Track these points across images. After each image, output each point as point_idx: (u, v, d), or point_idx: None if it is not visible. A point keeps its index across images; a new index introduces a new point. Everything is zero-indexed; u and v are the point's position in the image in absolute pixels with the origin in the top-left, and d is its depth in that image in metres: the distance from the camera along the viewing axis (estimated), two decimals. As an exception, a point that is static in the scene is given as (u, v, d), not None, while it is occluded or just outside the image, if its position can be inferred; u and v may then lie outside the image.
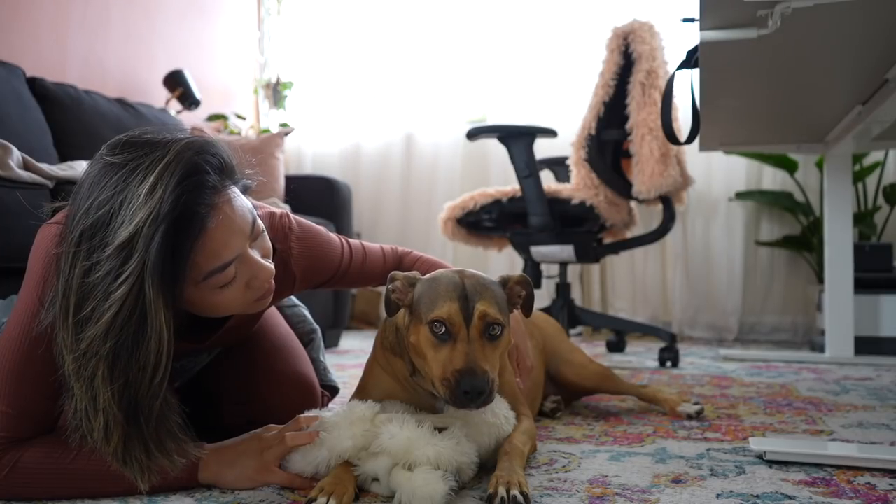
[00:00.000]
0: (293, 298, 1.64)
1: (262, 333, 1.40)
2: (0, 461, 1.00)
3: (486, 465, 1.12)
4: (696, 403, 1.56)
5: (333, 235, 1.34)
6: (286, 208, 3.03)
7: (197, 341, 1.18)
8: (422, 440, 1.03)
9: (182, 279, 0.94)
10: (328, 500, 0.97)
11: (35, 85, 2.56)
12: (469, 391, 1.01)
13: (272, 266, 1.05)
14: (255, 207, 1.08)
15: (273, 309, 1.54)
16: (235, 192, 1.01)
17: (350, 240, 1.37)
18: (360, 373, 1.33)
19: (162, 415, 0.96)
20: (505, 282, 1.19)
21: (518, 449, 1.11)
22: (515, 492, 0.96)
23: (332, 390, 1.61)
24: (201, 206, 0.93)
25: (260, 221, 1.05)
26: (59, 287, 0.94)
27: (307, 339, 1.57)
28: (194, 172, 0.94)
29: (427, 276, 1.16)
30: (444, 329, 1.06)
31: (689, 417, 1.54)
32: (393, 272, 1.17)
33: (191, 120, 3.55)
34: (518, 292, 1.21)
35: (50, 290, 0.96)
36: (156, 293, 0.90)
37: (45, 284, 0.98)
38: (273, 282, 1.07)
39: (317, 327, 1.61)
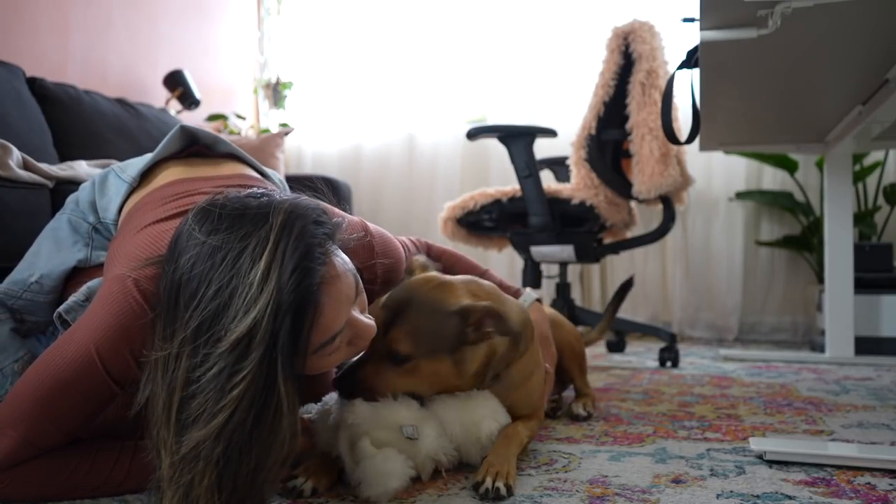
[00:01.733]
0: None
1: None
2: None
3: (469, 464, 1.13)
4: (587, 411, 1.56)
5: (393, 237, 1.31)
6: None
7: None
8: (385, 410, 1.06)
9: (301, 365, 0.86)
10: (306, 482, 1.04)
11: (35, 85, 2.56)
12: (340, 388, 1.10)
13: (373, 323, 1.01)
14: (337, 228, 0.99)
15: None
16: (338, 252, 0.96)
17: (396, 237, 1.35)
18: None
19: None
20: (466, 313, 1.10)
21: (519, 435, 1.17)
22: (500, 484, 1.02)
23: None
24: (316, 285, 0.87)
25: (359, 280, 1.00)
26: (160, 384, 0.84)
27: None
28: (307, 252, 0.87)
29: (406, 281, 1.18)
30: None
31: (577, 418, 1.55)
32: (415, 259, 1.21)
33: (191, 120, 3.55)
34: (484, 326, 1.11)
35: (115, 354, 0.93)
36: (283, 380, 0.82)
37: (112, 344, 0.94)
38: (364, 242, 1.09)
39: None
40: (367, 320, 1.01)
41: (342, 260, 0.97)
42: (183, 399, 0.82)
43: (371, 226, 1.27)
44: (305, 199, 0.97)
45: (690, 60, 1.53)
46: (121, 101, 2.91)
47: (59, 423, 0.98)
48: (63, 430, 0.99)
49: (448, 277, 1.19)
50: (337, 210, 1.15)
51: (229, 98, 4.00)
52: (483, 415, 1.14)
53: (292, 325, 0.83)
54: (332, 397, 1.18)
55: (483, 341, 1.13)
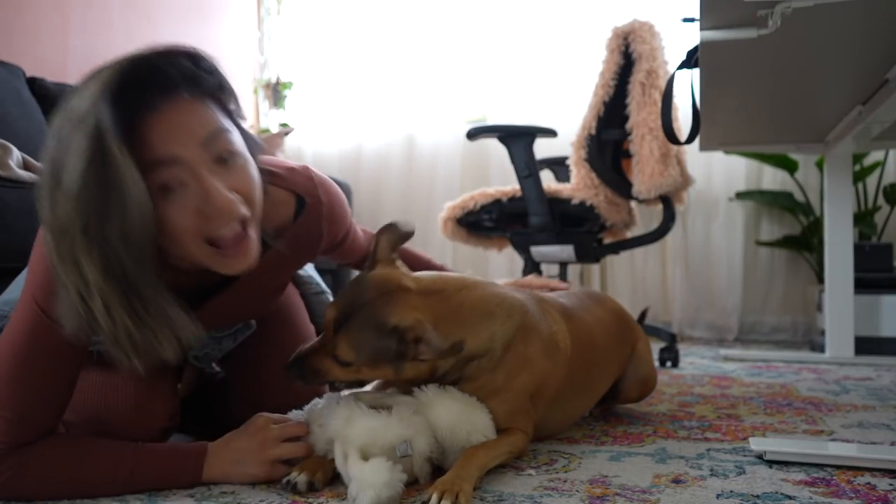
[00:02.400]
0: (321, 284, 1.58)
1: (276, 323, 1.37)
2: (2, 465, 1.00)
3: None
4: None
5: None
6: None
7: (196, 307, 1.08)
8: (356, 417, 1.07)
9: (136, 145, 0.87)
10: (300, 475, 1.06)
11: (35, 85, 2.56)
12: (287, 371, 1.12)
13: (230, 198, 0.93)
14: (274, 165, 1.07)
15: (296, 297, 1.49)
16: (206, 106, 0.96)
17: None
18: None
19: (158, 303, 0.91)
20: (403, 329, 1.06)
21: (479, 455, 1.08)
22: (447, 502, 0.95)
23: None
24: (146, 90, 0.90)
25: (234, 142, 0.97)
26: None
27: None
28: (144, 67, 0.91)
29: (363, 277, 1.14)
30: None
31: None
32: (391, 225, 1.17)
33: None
34: (419, 351, 1.07)
35: (52, 294, 0.93)
36: (111, 138, 0.84)
37: (47, 288, 0.95)
38: (249, 232, 0.98)
39: None
40: (223, 191, 0.93)
41: (206, 109, 0.95)
42: (48, 171, 0.88)
43: (320, 180, 1.23)
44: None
45: (690, 60, 1.53)
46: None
47: (41, 392, 1.00)
48: (49, 399, 1.01)
49: (408, 279, 1.14)
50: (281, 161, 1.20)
51: (229, 98, 4.00)
52: (474, 428, 1.12)
53: (116, 110, 0.86)
54: (317, 402, 1.18)
55: (420, 358, 1.09)
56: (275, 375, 1.25)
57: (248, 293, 1.19)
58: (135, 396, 1.15)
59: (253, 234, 1.00)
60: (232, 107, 1.02)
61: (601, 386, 1.47)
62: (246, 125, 1.06)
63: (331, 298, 1.57)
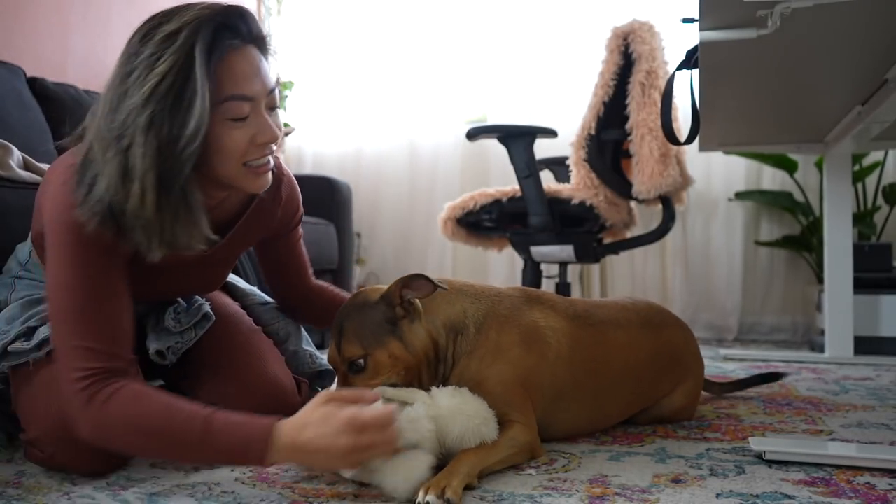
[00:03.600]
0: (265, 296, 1.61)
1: (226, 337, 1.37)
2: (101, 392, 1.02)
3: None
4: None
5: None
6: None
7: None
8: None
9: (218, 86, 1.05)
10: None
11: (35, 85, 2.56)
12: None
13: (280, 132, 1.15)
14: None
15: (236, 308, 1.50)
16: (262, 57, 1.15)
17: None
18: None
19: (185, 197, 1.06)
20: (388, 295, 1.19)
21: (472, 455, 1.10)
22: (431, 497, 0.97)
23: (326, 374, 1.58)
24: (230, 33, 1.08)
25: (278, 98, 1.17)
26: (106, 91, 1.08)
27: (283, 336, 1.54)
28: (230, 15, 1.09)
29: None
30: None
31: None
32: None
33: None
34: (406, 296, 1.19)
35: (75, 206, 1.05)
36: (200, 68, 1.02)
37: (70, 207, 1.06)
38: (275, 160, 1.18)
39: (295, 324, 1.58)
40: (274, 128, 1.13)
41: (266, 65, 1.16)
42: (120, 77, 1.05)
43: (285, 167, 1.40)
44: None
45: (690, 60, 1.54)
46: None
47: (105, 315, 1.07)
48: (114, 320, 1.08)
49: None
50: None
51: (229, 98, 4.00)
52: (483, 440, 1.13)
53: (210, 40, 1.04)
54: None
55: (412, 312, 1.20)
56: (233, 386, 1.29)
57: (217, 259, 1.32)
58: None
59: (272, 165, 1.19)
60: (269, 52, 1.20)
61: (619, 402, 1.41)
62: None
63: (275, 308, 1.58)
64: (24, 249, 1.38)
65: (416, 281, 1.18)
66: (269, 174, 1.18)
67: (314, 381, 1.57)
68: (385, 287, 1.22)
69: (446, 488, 0.99)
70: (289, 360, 1.49)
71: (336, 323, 1.21)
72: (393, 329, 1.19)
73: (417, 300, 1.21)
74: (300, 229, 1.48)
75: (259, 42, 1.15)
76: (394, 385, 1.19)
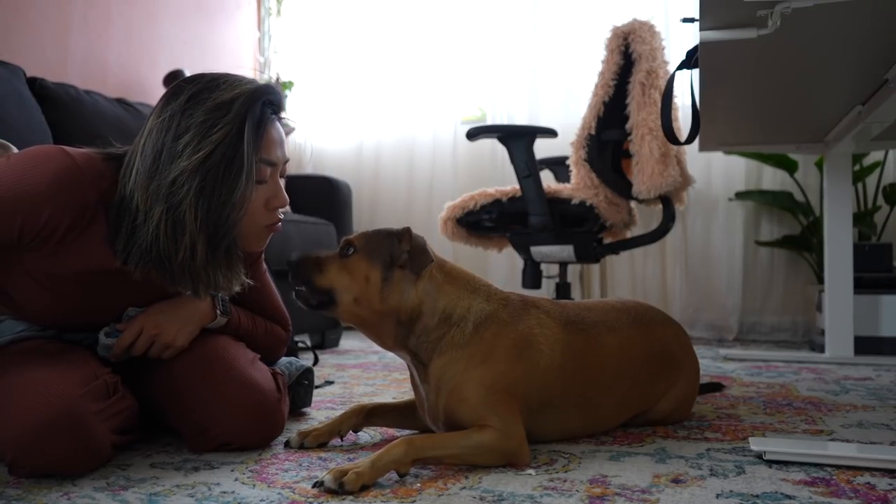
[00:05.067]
0: None
1: (200, 344, 1.35)
2: None
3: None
4: None
5: None
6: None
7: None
8: None
9: (256, 148, 1.17)
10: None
11: (35, 85, 2.56)
12: (290, 263, 1.26)
13: (288, 200, 1.26)
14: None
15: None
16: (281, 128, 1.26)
17: None
18: (360, 373, 1.33)
19: (229, 250, 1.18)
20: (401, 236, 1.26)
21: (416, 441, 1.12)
22: (328, 477, 1.03)
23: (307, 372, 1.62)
24: (269, 107, 1.21)
25: (287, 167, 1.29)
26: (153, 136, 1.15)
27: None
28: (268, 91, 1.21)
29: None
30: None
31: None
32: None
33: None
34: (403, 248, 1.26)
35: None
36: (249, 141, 1.14)
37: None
38: (280, 228, 1.28)
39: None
40: (284, 193, 1.25)
41: (281, 128, 1.26)
42: (173, 138, 1.13)
43: None
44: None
45: (690, 60, 1.53)
46: (121, 101, 2.91)
47: None
48: None
49: None
50: None
51: (229, 98, 3.99)
52: None
53: (260, 115, 1.17)
54: None
55: (402, 262, 1.24)
56: (214, 399, 1.29)
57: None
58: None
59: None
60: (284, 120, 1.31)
61: (613, 406, 1.40)
62: None
63: None
64: None
65: (423, 248, 1.24)
66: (280, 227, 1.29)
67: (300, 378, 1.59)
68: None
69: (349, 472, 1.03)
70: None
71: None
72: (389, 262, 1.24)
73: (434, 270, 1.26)
74: (261, 265, 1.48)
75: (281, 113, 1.27)
76: (331, 298, 1.25)
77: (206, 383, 1.29)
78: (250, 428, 1.29)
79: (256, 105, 1.17)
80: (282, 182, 1.27)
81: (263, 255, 1.49)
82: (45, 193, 1.11)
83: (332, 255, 1.27)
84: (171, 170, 1.11)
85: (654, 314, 1.51)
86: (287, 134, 1.31)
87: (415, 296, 1.24)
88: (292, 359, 1.60)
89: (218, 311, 1.37)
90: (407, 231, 1.25)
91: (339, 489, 1.02)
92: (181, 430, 1.34)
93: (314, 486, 1.05)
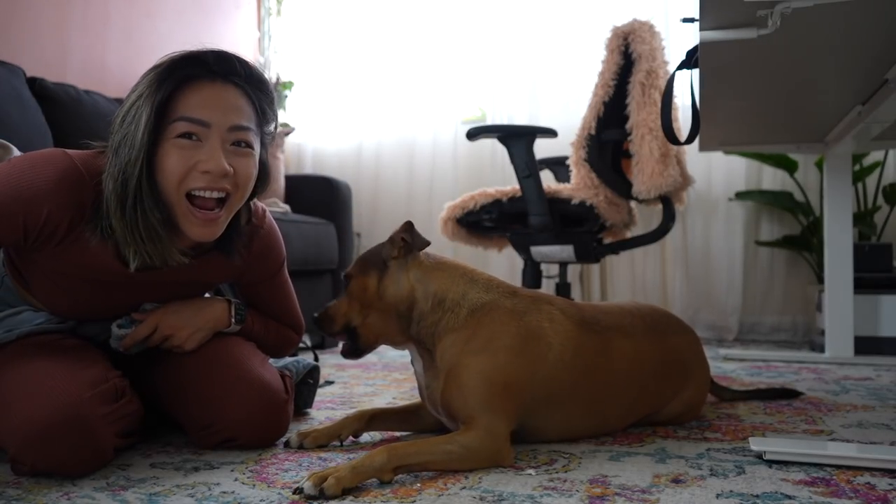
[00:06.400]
0: None
1: (208, 342, 1.35)
2: None
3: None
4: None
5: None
6: (286, 208, 3.03)
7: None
8: None
9: (172, 105, 1.14)
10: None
11: (35, 85, 2.56)
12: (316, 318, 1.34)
13: (227, 171, 1.14)
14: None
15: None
16: (242, 98, 1.19)
17: None
18: (360, 373, 1.33)
19: (142, 209, 1.13)
20: (392, 239, 1.31)
21: (397, 449, 1.10)
22: (308, 483, 1.02)
23: (315, 370, 1.63)
24: (201, 68, 1.16)
25: (252, 141, 1.19)
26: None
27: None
28: (208, 53, 1.17)
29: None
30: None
31: None
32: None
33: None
34: (403, 239, 1.30)
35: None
36: (153, 91, 1.13)
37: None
38: (222, 211, 1.17)
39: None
40: (222, 159, 1.14)
41: (247, 106, 1.20)
42: (123, 111, 1.16)
43: (269, 218, 1.42)
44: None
45: (690, 60, 1.53)
46: (121, 101, 2.91)
47: None
48: None
49: None
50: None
51: (229, 98, 3.99)
52: None
53: (176, 70, 1.15)
54: None
55: (400, 253, 1.29)
56: (221, 394, 1.30)
57: (183, 280, 1.31)
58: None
59: (223, 216, 1.19)
60: (268, 115, 1.26)
61: (620, 409, 1.39)
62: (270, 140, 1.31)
63: None
64: None
65: (413, 231, 1.29)
66: (216, 227, 1.18)
67: (306, 377, 1.60)
68: None
69: (329, 477, 1.03)
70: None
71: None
72: (383, 265, 1.30)
73: (421, 255, 1.31)
74: (283, 275, 1.47)
75: (246, 85, 1.20)
76: (352, 329, 1.31)
77: (215, 379, 1.30)
78: (256, 426, 1.30)
79: (177, 64, 1.15)
80: (244, 156, 1.18)
81: (286, 264, 1.48)
82: (45, 193, 1.12)
83: (340, 298, 1.34)
84: (114, 140, 1.15)
85: (670, 321, 1.50)
86: (286, 134, 1.30)
87: (406, 283, 1.29)
88: (299, 357, 1.62)
89: (232, 319, 1.38)
90: (394, 233, 1.31)
91: (320, 495, 1.01)
92: (185, 423, 1.35)
93: (294, 492, 1.04)
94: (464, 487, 1.07)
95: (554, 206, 2.42)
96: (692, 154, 2.97)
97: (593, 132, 2.41)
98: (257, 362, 1.35)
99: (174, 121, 1.14)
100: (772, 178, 3.33)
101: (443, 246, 3.60)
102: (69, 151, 1.19)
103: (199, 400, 1.30)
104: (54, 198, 1.12)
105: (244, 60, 1.20)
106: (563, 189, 2.45)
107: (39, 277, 1.25)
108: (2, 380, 1.16)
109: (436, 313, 1.28)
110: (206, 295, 1.44)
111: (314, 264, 2.92)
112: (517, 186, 2.46)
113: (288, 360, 1.58)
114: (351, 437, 1.38)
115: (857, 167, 3.00)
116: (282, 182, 3.22)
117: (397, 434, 1.44)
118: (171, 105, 1.14)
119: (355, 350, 1.33)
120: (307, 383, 1.61)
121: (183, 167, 1.14)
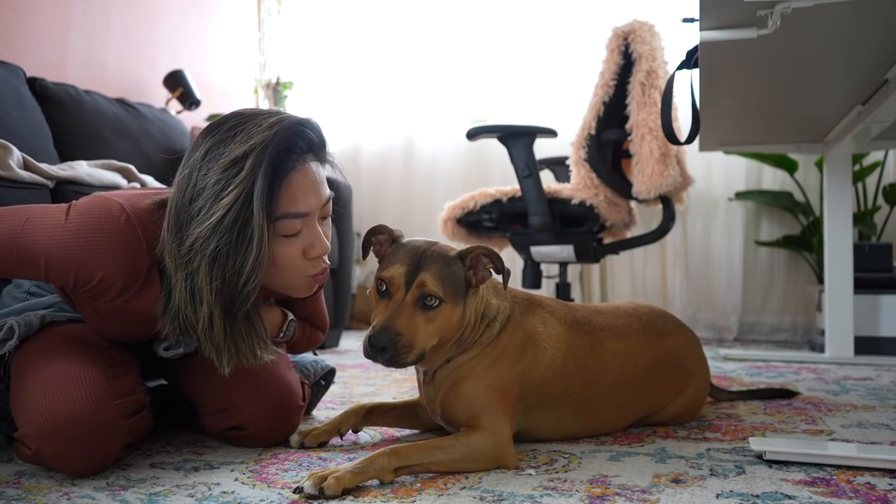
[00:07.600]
0: None
1: None
2: None
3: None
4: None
5: None
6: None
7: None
8: None
9: (275, 205, 1.08)
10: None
11: (35, 85, 2.56)
12: (374, 344, 1.11)
13: (328, 244, 1.17)
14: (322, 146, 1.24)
15: None
16: (320, 167, 1.18)
17: None
18: (360, 373, 1.33)
19: (249, 320, 1.13)
20: (464, 255, 1.19)
21: (400, 451, 1.10)
22: (308, 483, 1.01)
23: (328, 374, 1.64)
24: (293, 154, 1.11)
25: (329, 201, 1.19)
26: (176, 187, 1.10)
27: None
28: (292, 135, 1.11)
29: (405, 238, 1.25)
30: (385, 287, 1.16)
31: None
32: (380, 225, 1.27)
33: (191, 120, 3.55)
34: (484, 263, 1.21)
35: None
36: (258, 206, 1.05)
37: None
38: (327, 272, 1.20)
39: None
40: (325, 240, 1.16)
41: (322, 173, 1.18)
42: (189, 199, 1.08)
43: None
44: (314, 123, 1.19)
45: (690, 60, 1.53)
46: (121, 101, 2.91)
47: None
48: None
49: None
50: None
51: (229, 98, 4.01)
52: None
53: (272, 168, 1.07)
54: None
55: (482, 282, 1.22)
56: (238, 383, 1.30)
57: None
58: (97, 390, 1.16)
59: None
60: (326, 158, 1.22)
61: (614, 410, 1.39)
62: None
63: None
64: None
65: (495, 258, 1.19)
66: (325, 275, 1.22)
67: (321, 379, 1.61)
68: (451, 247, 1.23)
69: (329, 477, 1.02)
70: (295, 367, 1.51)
71: (408, 251, 1.18)
72: (465, 292, 1.19)
73: (493, 274, 1.22)
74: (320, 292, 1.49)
75: (319, 152, 1.18)
76: (420, 356, 1.15)
77: (240, 371, 1.29)
78: (268, 419, 1.31)
79: (269, 158, 1.07)
80: (327, 223, 1.20)
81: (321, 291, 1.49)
82: (100, 258, 1.10)
83: (407, 312, 1.13)
84: (188, 235, 1.07)
85: (667, 321, 1.50)
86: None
87: (472, 309, 1.23)
88: (318, 358, 1.63)
89: (281, 334, 1.40)
90: (469, 255, 1.19)
91: (320, 494, 1.01)
92: (199, 404, 1.37)
93: (294, 492, 1.04)
94: (464, 487, 1.07)
95: (554, 206, 2.42)
96: (692, 154, 2.97)
97: (593, 132, 2.41)
98: (284, 366, 1.38)
99: (278, 219, 1.10)
100: (772, 178, 3.34)
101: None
102: (126, 207, 1.13)
103: (218, 386, 1.31)
104: (110, 263, 1.11)
105: (316, 125, 1.18)
106: (563, 189, 2.45)
107: (86, 309, 1.26)
108: (49, 362, 1.18)
109: (476, 330, 1.25)
110: None
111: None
112: (517, 186, 2.46)
113: (309, 358, 1.60)
114: (351, 432, 1.38)
115: (857, 167, 3.00)
116: (282, 182, 3.22)
117: (396, 434, 1.44)
118: (272, 202, 1.09)
119: (401, 364, 1.14)
120: (319, 384, 1.62)
121: (298, 259, 1.15)
